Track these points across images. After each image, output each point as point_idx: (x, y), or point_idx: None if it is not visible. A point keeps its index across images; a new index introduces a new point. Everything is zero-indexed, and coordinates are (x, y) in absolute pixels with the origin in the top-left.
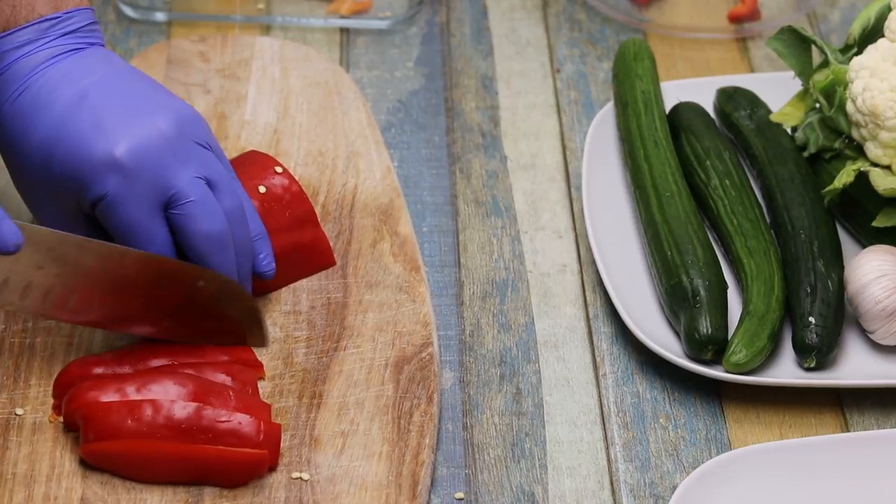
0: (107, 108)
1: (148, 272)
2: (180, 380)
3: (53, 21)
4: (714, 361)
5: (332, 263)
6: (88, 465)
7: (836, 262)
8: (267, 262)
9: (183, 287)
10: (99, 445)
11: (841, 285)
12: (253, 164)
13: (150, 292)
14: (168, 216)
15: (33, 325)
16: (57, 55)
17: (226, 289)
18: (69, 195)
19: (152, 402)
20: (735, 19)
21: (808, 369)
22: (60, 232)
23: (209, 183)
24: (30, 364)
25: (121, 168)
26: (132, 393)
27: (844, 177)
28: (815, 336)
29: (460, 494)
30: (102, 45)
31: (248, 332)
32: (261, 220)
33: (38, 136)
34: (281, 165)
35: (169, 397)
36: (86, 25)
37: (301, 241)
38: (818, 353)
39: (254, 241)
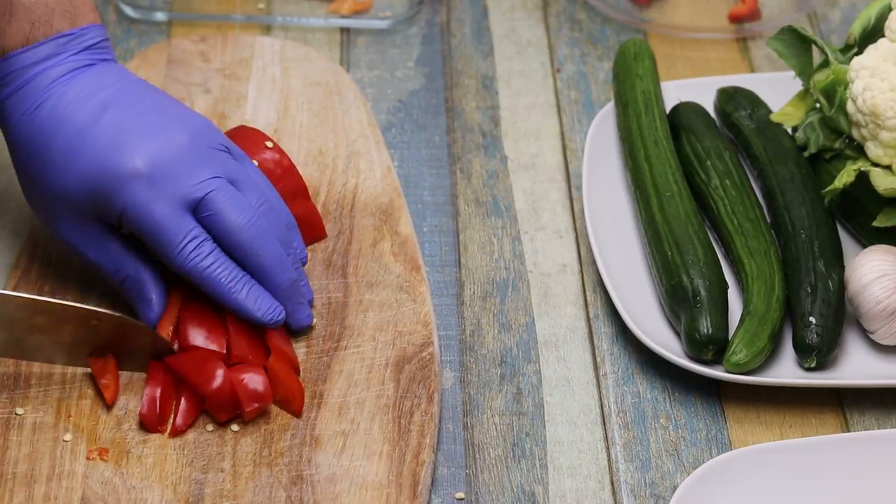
0: (125, 121)
1: (31, 314)
2: None
3: (70, 37)
4: (714, 361)
5: (323, 235)
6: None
7: (837, 262)
8: (301, 250)
9: (75, 326)
10: None
11: (841, 285)
12: (244, 139)
13: (46, 330)
14: (200, 221)
15: None
16: (73, 69)
17: (121, 325)
18: (87, 206)
19: None
20: (735, 19)
21: (809, 369)
22: None
23: (231, 182)
24: (29, 364)
25: (142, 177)
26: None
27: (845, 177)
28: (815, 336)
29: (461, 494)
30: (115, 61)
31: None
32: (289, 210)
33: (56, 149)
34: (271, 140)
35: None
36: (100, 42)
37: (293, 213)
38: (819, 353)
39: (289, 230)
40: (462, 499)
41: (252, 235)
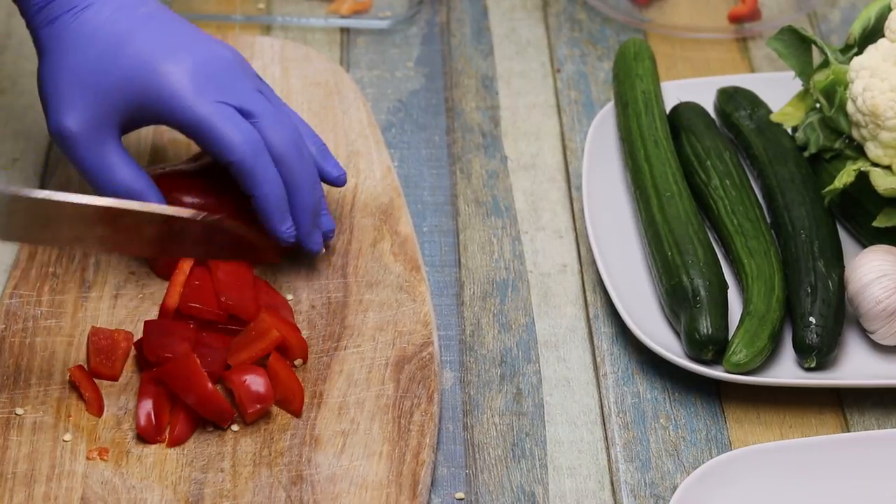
0: (170, 29)
1: (110, 218)
2: None
3: None
4: (714, 361)
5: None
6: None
7: (837, 262)
8: (336, 168)
9: (156, 225)
10: None
11: (841, 285)
12: None
13: (128, 228)
14: None
15: (33, 324)
16: None
17: (212, 226)
18: (122, 105)
19: None
20: (735, 19)
21: (809, 369)
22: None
23: (244, 111)
24: (30, 364)
25: (189, 77)
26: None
27: (845, 177)
28: (815, 336)
29: (461, 494)
30: None
31: (253, 255)
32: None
33: (101, 46)
34: None
35: None
36: None
37: None
38: (819, 354)
39: (320, 152)
40: (462, 499)
41: (292, 151)
